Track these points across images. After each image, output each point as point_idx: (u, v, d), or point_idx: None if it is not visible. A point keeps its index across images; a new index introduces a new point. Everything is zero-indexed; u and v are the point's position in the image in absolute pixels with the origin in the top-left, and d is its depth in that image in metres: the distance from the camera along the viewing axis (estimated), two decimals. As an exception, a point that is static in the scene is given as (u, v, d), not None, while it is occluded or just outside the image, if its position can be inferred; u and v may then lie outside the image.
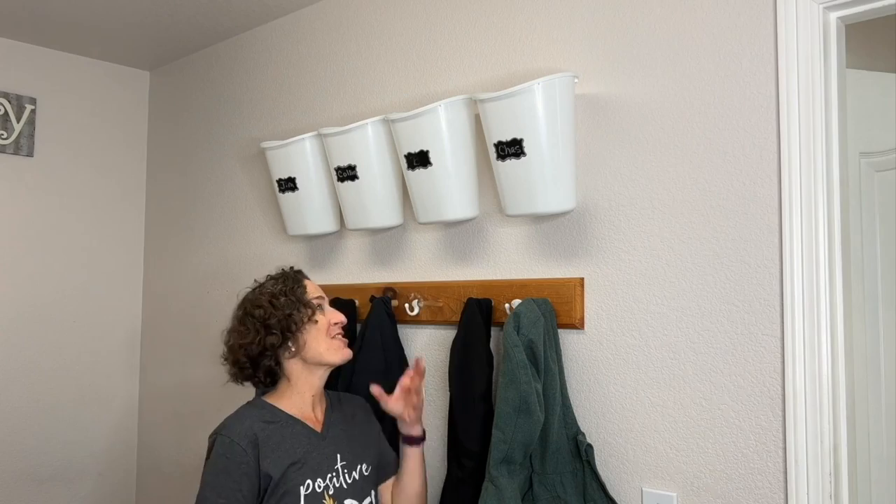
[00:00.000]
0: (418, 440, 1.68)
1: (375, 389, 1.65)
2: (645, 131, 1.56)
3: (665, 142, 1.53)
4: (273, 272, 1.69)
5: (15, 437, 2.60)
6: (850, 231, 1.42)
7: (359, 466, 1.61)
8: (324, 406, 1.65)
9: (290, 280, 1.63)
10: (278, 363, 1.58)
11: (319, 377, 1.62)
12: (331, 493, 1.53)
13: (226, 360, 1.62)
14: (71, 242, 2.76)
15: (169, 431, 2.77)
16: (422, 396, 1.68)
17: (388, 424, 1.74)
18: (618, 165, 1.60)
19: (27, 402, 2.63)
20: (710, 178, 1.47)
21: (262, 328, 1.56)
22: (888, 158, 1.83)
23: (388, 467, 1.70)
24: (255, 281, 1.67)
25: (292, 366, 1.59)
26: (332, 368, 1.64)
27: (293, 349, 1.57)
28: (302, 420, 1.57)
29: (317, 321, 1.59)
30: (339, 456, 1.58)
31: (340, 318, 1.64)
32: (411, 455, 1.68)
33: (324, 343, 1.59)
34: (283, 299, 1.58)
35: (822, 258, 1.34)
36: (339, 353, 1.62)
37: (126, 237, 2.92)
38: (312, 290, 1.64)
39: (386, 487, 1.69)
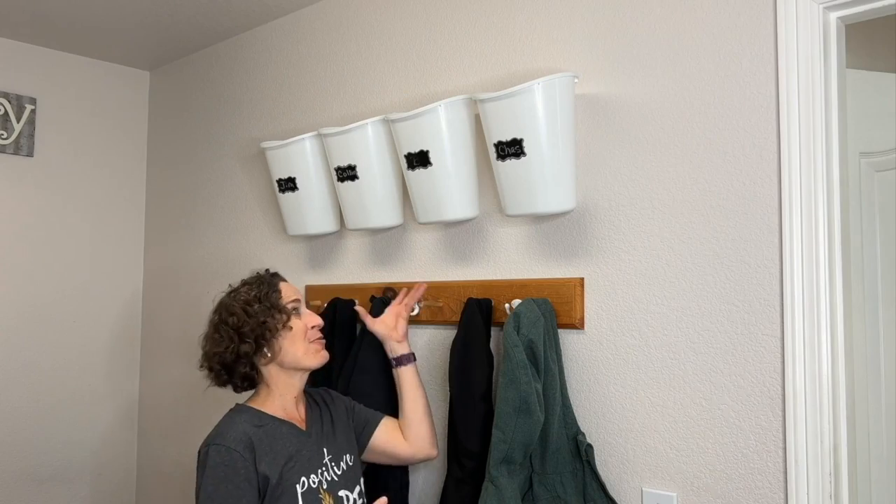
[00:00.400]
0: (408, 359, 1.76)
1: (360, 308, 1.84)
2: (645, 131, 1.56)
3: (665, 142, 1.53)
4: (247, 276, 1.68)
5: (15, 437, 2.60)
6: (850, 231, 1.42)
7: (344, 457, 1.62)
8: (304, 404, 1.66)
9: (266, 284, 1.61)
10: (255, 369, 1.58)
11: (299, 379, 1.63)
12: (325, 487, 1.54)
13: (202, 366, 1.62)
14: (71, 242, 2.76)
15: (169, 431, 2.77)
16: (407, 315, 1.83)
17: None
18: (618, 165, 1.60)
19: (27, 402, 2.63)
20: (710, 178, 1.47)
21: (236, 336, 1.56)
22: (888, 158, 1.83)
23: (368, 421, 1.72)
24: (230, 286, 1.66)
25: (270, 370, 1.60)
26: (311, 371, 1.64)
27: (269, 355, 1.57)
28: (288, 420, 1.58)
29: (291, 327, 1.58)
30: (325, 450, 1.59)
31: (317, 321, 1.65)
32: (405, 376, 1.75)
33: (301, 348, 1.59)
34: (256, 306, 1.57)
35: (822, 258, 1.34)
36: (316, 357, 1.62)
37: (126, 237, 2.92)
38: (288, 293, 1.63)
39: (385, 432, 1.72)
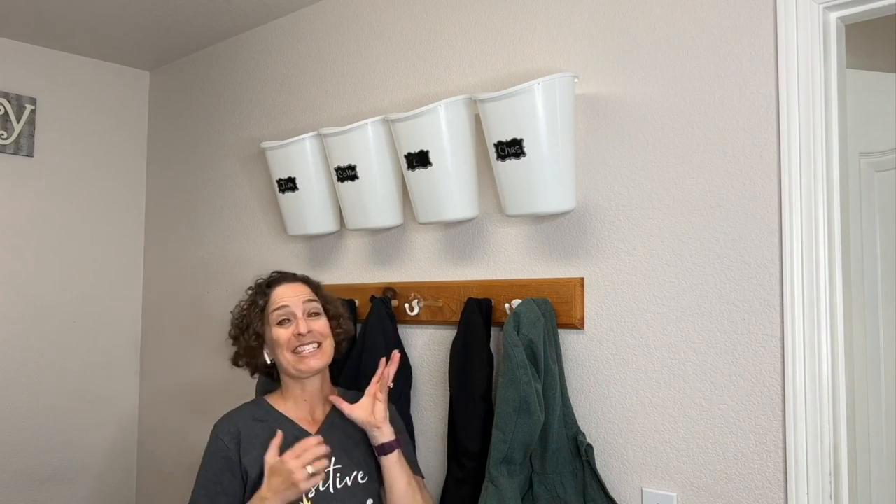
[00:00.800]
0: (391, 447, 1.57)
1: (335, 398, 1.60)
2: (645, 131, 1.56)
3: (665, 142, 1.53)
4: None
5: (15, 437, 2.60)
6: (850, 231, 1.43)
7: (354, 473, 1.56)
8: (327, 408, 1.63)
9: (259, 294, 1.64)
10: (268, 368, 1.64)
11: (310, 381, 1.60)
12: (311, 495, 1.48)
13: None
14: (71, 243, 2.76)
15: (169, 431, 2.77)
16: (385, 396, 1.62)
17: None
18: (618, 165, 1.60)
19: (27, 402, 2.63)
20: (710, 178, 1.47)
21: (236, 348, 1.66)
22: (888, 158, 1.83)
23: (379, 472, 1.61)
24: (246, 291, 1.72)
25: (281, 374, 1.62)
26: (316, 375, 1.60)
27: (269, 362, 1.62)
28: (295, 421, 1.57)
29: (266, 341, 1.61)
30: (332, 459, 1.54)
31: (302, 329, 1.56)
32: (389, 464, 1.56)
33: (284, 359, 1.57)
34: (238, 323, 1.65)
35: (822, 258, 1.34)
36: (299, 366, 1.56)
37: (126, 237, 2.92)
38: (278, 299, 1.60)
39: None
